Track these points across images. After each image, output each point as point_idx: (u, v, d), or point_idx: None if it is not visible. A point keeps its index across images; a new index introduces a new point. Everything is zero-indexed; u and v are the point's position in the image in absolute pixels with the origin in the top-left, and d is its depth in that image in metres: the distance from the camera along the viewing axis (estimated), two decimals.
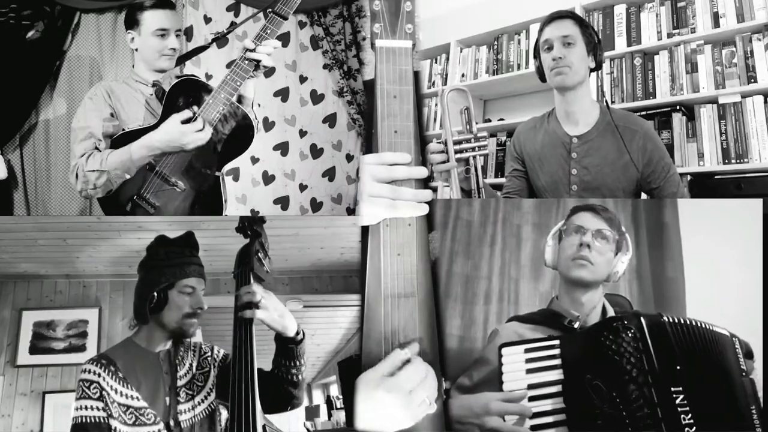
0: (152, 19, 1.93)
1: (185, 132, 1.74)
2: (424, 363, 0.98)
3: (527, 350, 1.29)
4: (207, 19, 2.84)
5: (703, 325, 1.26)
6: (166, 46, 1.94)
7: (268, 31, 1.80)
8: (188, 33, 2.83)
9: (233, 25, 2.23)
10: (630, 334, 1.20)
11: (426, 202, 1.04)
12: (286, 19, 1.83)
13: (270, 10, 1.83)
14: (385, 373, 0.96)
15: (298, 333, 1.38)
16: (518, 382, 1.25)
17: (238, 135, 1.84)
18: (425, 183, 1.07)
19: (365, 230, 1.05)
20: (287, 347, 1.38)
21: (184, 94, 1.83)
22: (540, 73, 1.92)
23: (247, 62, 1.79)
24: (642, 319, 1.22)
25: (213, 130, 1.77)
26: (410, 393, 0.95)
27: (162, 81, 1.97)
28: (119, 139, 1.84)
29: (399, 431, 0.95)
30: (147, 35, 1.93)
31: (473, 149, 1.68)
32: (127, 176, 1.78)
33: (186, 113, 1.76)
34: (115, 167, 1.77)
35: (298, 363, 1.39)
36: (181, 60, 2.04)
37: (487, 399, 1.18)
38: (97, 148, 1.83)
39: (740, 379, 1.24)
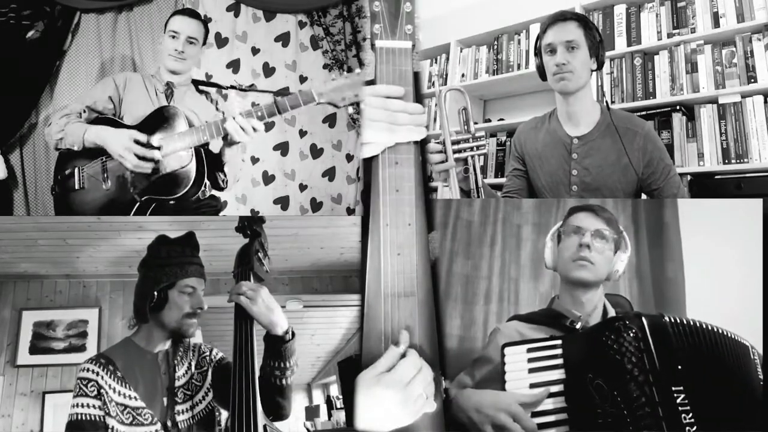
0: (171, 22, 2.14)
1: (127, 149, 1.87)
2: (417, 355, 0.98)
3: (529, 350, 1.29)
4: (207, 19, 2.84)
5: (712, 328, 1.26)
6: (172, 47, 2.10)
7: (259, 114, 1.86)
8: None
9: (252, 86, 2.56)
10: (632, 334, 1.20)
11: (426, 203, 1.04)
12: (279, 113, 1.87)
13: (275, 94, 1.87)
14: (383, 370, 0.96)
15: (287, 332, 1.36)
16: (520, 381, 1.25)
17: (169, 180, 1.93)
18: (425, 183, 1.07)
19: (365, 230, 1.05)
20: (275, 346, 1.35)
21: (164, 119, 1.97)
22: (541, 71, 1.91)
23: (223, 123, 1.87)
24: (643, 319, 1.22)
25: (155, 163, 1.89)
26: (407, 386, 0.95)
27: (175, 85, 2.14)
28: (97, 121, 2.02)
29: (399, 429, 0.95)
30: (165, 36, 2.14)
31: (471, 149, 1.68)
32: (75, 148, 1.95)
33: (142, 137, 1.89)
34: (69, 134, 1.96)
35: (283, 365, 1.36)
36: (196, 83, 2.21)
37: (511, 398, 1.20)
38: (79, 114, 2.03)
39: (758, 385, 1.24)
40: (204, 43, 2.19)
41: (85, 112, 2.04)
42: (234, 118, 1.84)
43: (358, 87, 1.79)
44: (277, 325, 1.35)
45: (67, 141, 1.96)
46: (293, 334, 1.38)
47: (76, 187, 1.97)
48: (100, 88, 2.15)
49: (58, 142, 1.98)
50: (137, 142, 1.88)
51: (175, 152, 1.91)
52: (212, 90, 2.26)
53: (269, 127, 2.87)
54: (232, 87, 2.26)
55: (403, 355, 0.98)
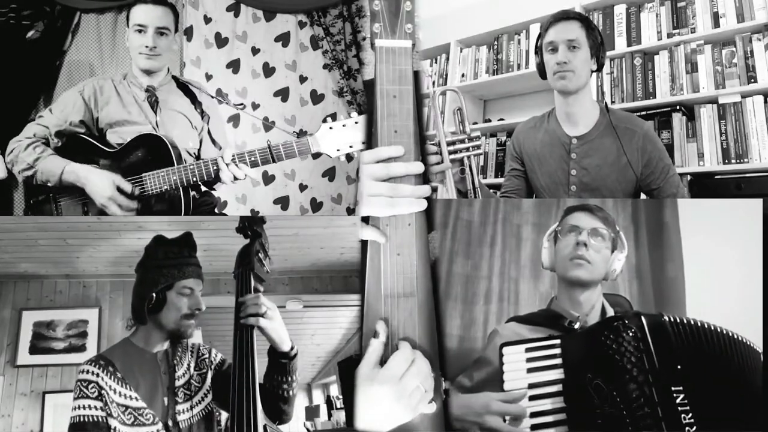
0: (134, 14, 1.92)
1: (111, 199, 1.77)
2: (409, 347, 0.98)
3: (528, 349, 1.29)
4: (207, 19, 2.84)
5: (713, 327, 1.25)
6: (141, 43, 1.90)
7: (252, 159, 1.74)
8: (188, 33, 2.83)
9: (241, 106, 2.56)
10: (630, 334, 1.20)
11: (425, 198, 1.04)
12: (273, 161, 1.78)
13: (269, 146, 1.76)
14: (370, 366, 0.96)
15: (292, 348, 1.39)
16: (519, 381, 1.25)
17: (157, 215, 1.85)
18: (424, 180, 1.07)
19: None
20: (280, 362, 1.38)
21: (147, 151, 1.84)
22: (541, 70, 1.91)
23: (214, 166, 1.75)
24: (643, 318, 1.22)
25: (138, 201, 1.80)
26: (400, 380, 0.95)
27: (156, 87, 1.98)
28: (74, 140, 1.90)
29: (398, 428, 0.95)
30: (130, 32, 1.93)
31: (467, 149, 1.68)
32: (50, 184, 1.83)
33: (127, 186, 1.78)
34: (43, 171, 1.82)
35: (289, 379, 1.39)
36: (177, 80, 2.05)
37: (488, 398, 1.19)
38: (46, 140, 1.88)
39: (760, 386, 1.24)
40: (176, 30, 1.99)
41: (54, 139, 1.89)
42: (228, 165, 1.73)
43: (355, 134, 1.71)
44: (285, 341, 1.37)
45: (41, 177, 1.83)
46: (297, 351, 1.40)
47: (54, 213, 1.88)
48: (69, 107, 1.93)
49: (29, 178, 1.85)
50: (120, 190, 1.77)
51: (158, 189, 1.80)
52: (197, 91, 2.10)
53: (269, 127, 2.87)
54: (220, 101, 2.18)
55: (396, 348, 0.98)
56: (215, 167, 1.75)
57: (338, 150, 1.71)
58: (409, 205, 1.01)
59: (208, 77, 2.80)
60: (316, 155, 1.74)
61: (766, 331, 1.39)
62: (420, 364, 0.97)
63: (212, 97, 2.12)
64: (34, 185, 1.89)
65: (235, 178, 1.75)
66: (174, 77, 2.09)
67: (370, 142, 1.07)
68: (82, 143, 1.90)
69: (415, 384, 0.95)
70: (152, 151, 1.84)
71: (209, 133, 2.11)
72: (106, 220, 2.12)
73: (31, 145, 1.86)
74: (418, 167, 1.02)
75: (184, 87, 2.09)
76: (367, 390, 0.95)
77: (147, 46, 1.90)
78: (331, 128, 1.71)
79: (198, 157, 2.04)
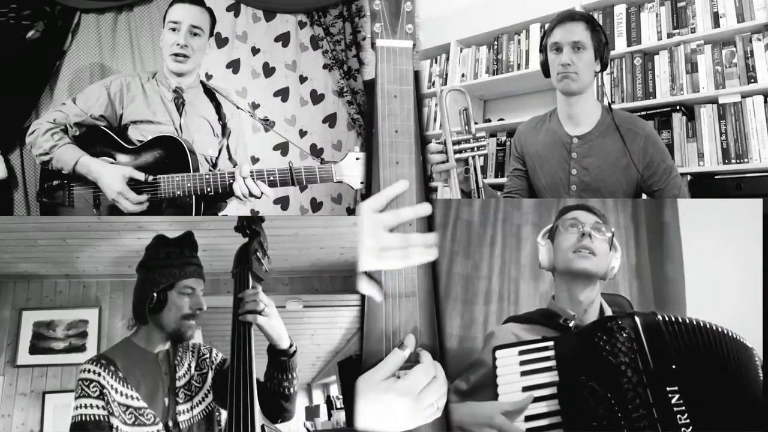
0: (170, 12, 1.91)
1: (120, 194, 1.76)
2: (433, 362, 0.96)
3: (521, 352, 1.28)
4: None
5: (708, 326, 1.25)
6: (173, 40, 1.88)
7: (271, 178, 1.72)
8: None
9: (270, 123, 2.52)
10: (624, 334, 1.19)
11: (427, 201, 1.04)
12: (292, 184, 1.76)
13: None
14: (386, 376, 0.93)
15: (291, 345, 1.39)
16: (512, 385, 1.24)
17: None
18: (425, 183, 1.07)
19: None
20: (280, 360, 1.38)
21: (165, 153, 1.83)
22: (545, 68, 1.90)
23: (230, 179, 1.73)
24: (636, 318, 1.21)
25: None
26: (418, 395, 0.92)
27: (185, 90, 1.97)
28: (93, 130, 1.90)
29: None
30: (164, 30, 1.92)
31: (472, 149, 1.68)
32: (64, 172, 1.84)
33: (140, 175, 1.76)
34: (58, 159, 1.83)
35: (290, 376, 1.39)
36: (205, 86, 2.04)
37: (492, 409, 1.18)
38: (65, 128, 1.88)
39: (759, 385, 1.24)
40: (211, 35, 1.97)
41: (72, 128, 1.89)
42: (245, 179, 1.70)
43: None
44: (283, 338, 1.38)
45: (56, 165, 1.84)
46: (296, 348, 1.41)
47: (65, 203, 1.88)
48: (92, 101, 1.92)
49: (45, 162, 1.86)
50: (133, 181, 1.75)
51: (169, 194, 1.78)
52: (223, 99, 2.07)
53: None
54: (250, 114, 2.13)
55: (416, 360, 0.96)
56: (231, 180, 1.73)
57: (362, 183, 1.68)
58: (422, 255, 0.97)
59: (208, 77, 2.80)
60: (337, 183, 1.70)
61: (766, 331, 1.39)
62: (440, 383, 0.95)
63: (238, 108, 2.08)
64: (49, 170, 1.89)
65: (251, 194, 1.72)
66: (202, 82, 2.07)
67: (370, 142, 1.07)
68: (101, 135, 1.90)
69: (431, 401, 0.93)
70: (170, 153, 1.83)
71: (228, 148, 2.08)
72: (106, 220, 2.12)
73: (50, 131, 1.86)
74: (426, 209, 0.99)
75: (211, 93, 2.06)
76: (380, 398, 0.92)
77: (178, 44, 1.88)
78: (357, 159, 1.66)
79: (215, 165, 2.03)
